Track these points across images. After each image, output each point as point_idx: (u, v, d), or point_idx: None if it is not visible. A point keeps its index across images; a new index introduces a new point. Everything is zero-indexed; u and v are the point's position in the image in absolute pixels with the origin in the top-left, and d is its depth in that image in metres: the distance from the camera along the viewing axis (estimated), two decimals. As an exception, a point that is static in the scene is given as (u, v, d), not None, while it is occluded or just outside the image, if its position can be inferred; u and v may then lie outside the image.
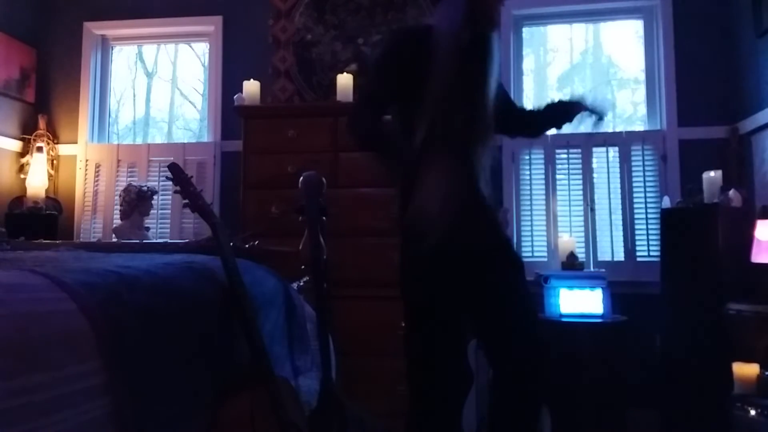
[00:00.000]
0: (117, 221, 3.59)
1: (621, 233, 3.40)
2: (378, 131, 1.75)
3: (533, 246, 3.47)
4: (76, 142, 3.89)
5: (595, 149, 3.48)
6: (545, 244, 3.45)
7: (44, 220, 3.57)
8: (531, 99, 3.83)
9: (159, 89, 5.04)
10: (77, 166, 3.87)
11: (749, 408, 2.27)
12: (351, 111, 1.81)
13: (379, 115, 1.76)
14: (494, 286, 1.70)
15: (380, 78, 1.79)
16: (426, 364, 1.74)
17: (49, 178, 3.78)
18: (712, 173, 2.95)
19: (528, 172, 3.53)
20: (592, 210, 3.42)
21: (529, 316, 1.72)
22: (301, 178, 2.09)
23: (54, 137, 3.88)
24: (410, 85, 1.68)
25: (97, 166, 3.86)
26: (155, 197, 3.47)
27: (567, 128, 2.09)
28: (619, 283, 3.16)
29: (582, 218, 3.44)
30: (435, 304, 1.71)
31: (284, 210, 2.94)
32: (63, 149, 3.89)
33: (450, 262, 1.66)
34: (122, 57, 4.31)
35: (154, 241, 3.35)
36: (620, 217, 3.42)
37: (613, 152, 3.46)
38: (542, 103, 2.00)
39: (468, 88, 1.69)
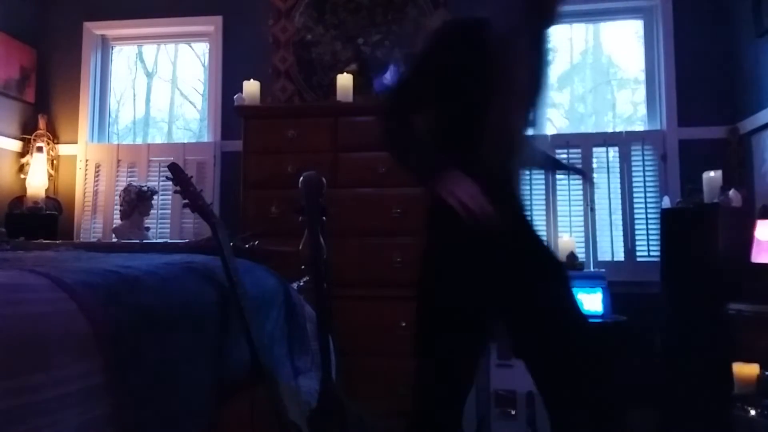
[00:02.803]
0: (117, 221, 3.59)
1: (621, 233, 3.40)
2: (410, 131, 1.56)
3: (533, 246, 3.47)
4: (76, 142, 3.89)
5: (595, 149, 3.48)
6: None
7: (44, 220, 3.56)
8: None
9: (159, 89, 5.04)
10: (77, 166, 3.87)
11: (749, 408, 2.27)
12: (385, 103, 1.65)
13: (413, 112, 1.58)
14: (527, 291, 1.56)
15: (422, 74, 1.59)
16: (445, 366, 1.65)
17: (49, 178, 3.78)
18: (712, 173, 2.95)
19: (528, 172, 3.52)
20: (592, 210, 3.42)
21: (568, 322, 1.55)
22: (301, 178, 2.09)
23: (54, 137, 3.88)
24: (456, 86, 1.53)
25: (97, 166, 3.86)
26: (155, 197, 3.47)
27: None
28: (619, 283, 3.16)
29: (582, 218, 3.44)
30: (466, 308, 1.59)
31: (284, 210, 2.94)
32: (63, 149, 3.89)
33: (487, 267, 1.54)
34: (122, 57, 4.31)
35: (154, 241, 3.35)
36: (620, 217, 3.42)
37: (613, 152, 3.46)
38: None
39: (526, 96, 1.56)
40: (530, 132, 1.66)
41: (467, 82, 1.53)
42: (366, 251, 2.94)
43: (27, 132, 3.81)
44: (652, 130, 3.46)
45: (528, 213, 1.70)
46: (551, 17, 1.58)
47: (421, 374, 1.69)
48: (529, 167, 2.02)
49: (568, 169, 2.08)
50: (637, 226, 3.39)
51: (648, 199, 3.39)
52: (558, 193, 3.47)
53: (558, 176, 3.47)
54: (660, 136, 3.41)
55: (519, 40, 1.51)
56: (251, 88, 3.34)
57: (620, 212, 3.43)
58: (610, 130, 3.62)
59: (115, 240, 3.36)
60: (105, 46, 4.06)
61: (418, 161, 1.55)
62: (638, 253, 3.37)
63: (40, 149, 3.75)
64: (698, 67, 3.38)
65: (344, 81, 3.28)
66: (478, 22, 1.57)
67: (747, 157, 3.13)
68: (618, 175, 3.45)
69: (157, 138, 4.53)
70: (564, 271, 1.64)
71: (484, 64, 1.49)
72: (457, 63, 1.53)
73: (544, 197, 3.48)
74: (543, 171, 2.06)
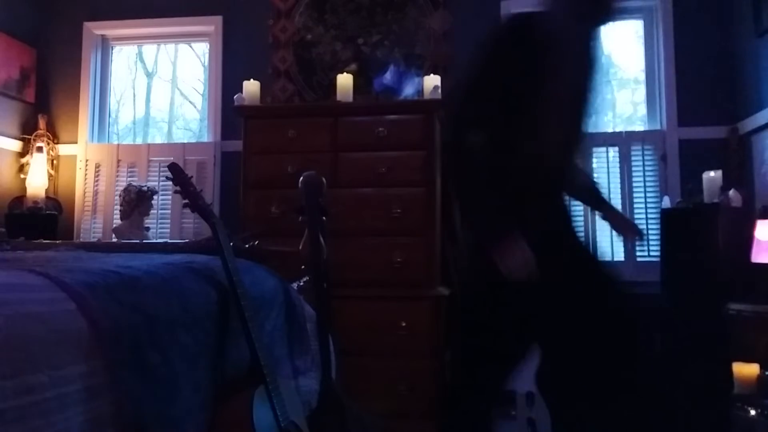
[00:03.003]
0: (117, 221, 3.59)
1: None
2: (476, 170, 1.45)
3: (533, 246, 3.46)
4: (76, 142, 3.89)
5: (595, 149, 3.48)
6: (545, 244, 3.44)
7: (44, 220, 3.57)
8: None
9: (159, 89, 5.05)
10: (77, 166, 3.87)
11: (749, 408, 2.27)
12: (449, 133, 1.52)
13: (478, 133, 1.45)
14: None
15: (486, 95, 1.47)
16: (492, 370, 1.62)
17: (49, 178, 3.78)
18: (712, 173, 2.95)
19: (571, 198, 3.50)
20: (593, 210, 3.41)
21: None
22: (301, 178, 2.09)
23: (54, 137, 3.88)
24: (516, 94, 1.44)
25: (97, 166, 3.86)
26: (155, 197, 3.47)
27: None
28: (619, 283, 3.15)
29: (582, 218, 3.44)
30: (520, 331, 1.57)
31: (284, 210, 2.94)
32: (63, 149, 3.89)
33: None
34: (122, 57, 4.31)
35: (154, 241, 3.35)
36: (620, 217, 3.42)
37: (613, 152, 3.46)
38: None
39: (579, 98, 1.49)
40: (582, 137, 1.59)
41: (522, 86, 1.44)
42: (366, 251, 2.93)
43: (27, 132, 3.81)
44: (652, 130, 3.46)
45: (577, 232, 1.64)
46: (608, 14, 1.51)
47: (466, 376, 1.66)
48: (575, 193, 1.88)
49: (614, 222, 1.85)
50: (637, 226, 3.39)
51: (648, 199, 3.39)
52: (558, 193, 3.47)
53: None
54: (660, 136, 3.41)
55: (572, 39, 1.44)
56: (251, 88, 3.34)
57: (620, 212, 3.42)
58: (610, 130, 3.62)
59: (115, 240, 3.36)
60: (105, 46, 4.06)
61: (483, 217, 1.50)
62: (638, 253, 3.37)
63: (40, 149, 3.75)
64: (698, 67, 3.38)
65: (344, 81, 3.28)
66: (531, 19, 1.49)
67: (747, 157, 3.13)
68: (618, 175, 3.44)
69: (157, 138, 4.53)
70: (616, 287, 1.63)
71: (536, 64, 1.42)
72: (513, 71, 1.44)
73: (544, 197, 3.48)
74: (584, 202, 1.94)
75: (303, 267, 2.22)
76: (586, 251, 1.69)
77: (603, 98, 1.45)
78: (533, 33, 1.45)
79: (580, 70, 1.50)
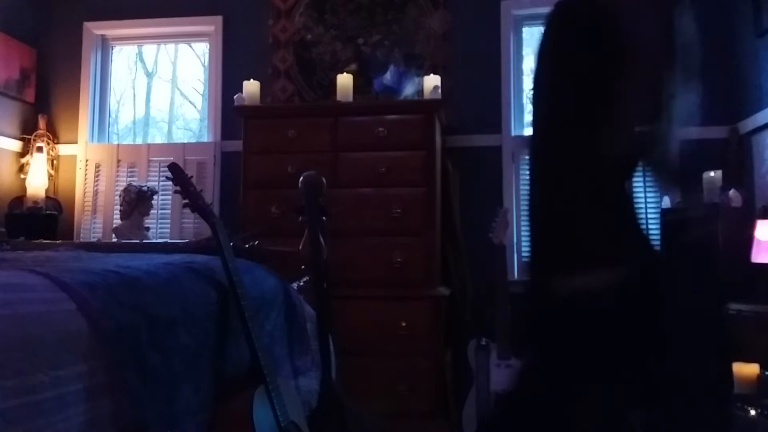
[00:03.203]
0: (117, 221, 3.59)
1: (621, 233, 3.39)
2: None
3: (533, 246, 3.46)
4: (76, 142, 3.89)
5: (595, 149, 3.47)
6: (545, 244, 3.44)
7: (44, 220, 3.56)
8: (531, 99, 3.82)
9: (159, 89, 5.05)
10: (77, 166, 3.86)
11: (749, 408, 2.27)
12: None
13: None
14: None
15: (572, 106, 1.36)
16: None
17: (49, 178, 3.78)
18: (712, 173, 2.95)
19: (528, 172, 3.51)
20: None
21: None
22: (301, 178, 2.09)
23: (54, 137, 3.88)
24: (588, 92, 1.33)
25: (97, 166, 3.86)
26: (155, 197, 3.47)
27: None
28: (619, 283, 3.14)
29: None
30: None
31: (284, 210, 2.94)
32: (63, 149, 3.89)
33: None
34: (122, 57, 4.31)
35: (154, 241, 3.35)
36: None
37: (613, 152, 3.45)
38: None
39: (658, 90, 1.39)
40: (667, 135, 1.49)
41: (592, 83, 1.33)
42: (366, 251, 2.93)
43: (27, 132, 3.81)
44: (652, 130, 3.45)
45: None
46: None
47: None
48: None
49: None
50: (637, 226, 3.38)
51: (648, 199, 3.38)
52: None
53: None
54: (660, 136, 3.40)
55: (645, 25, 1.31)
56: (251, 88, 3.34)
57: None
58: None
59: (115, 240, 3.36)
60: (105, 46, 4.06)
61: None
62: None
63: (40, 149, 3.75)
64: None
65: (344, 81, 3.28)
66: (592, 5, 1.36)
67: (747, 157, 3.13)
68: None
69: (157, 138, 4.54)
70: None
71: (604, 55, 1.30)
72: (581, 67, 1.33)
73: (544, 197, 3.48)
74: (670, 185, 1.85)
75: (303, 267, 2.22)
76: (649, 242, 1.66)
77: (698, 88, 1.30)
78: (598, 21, 1.33)
79: (659, 58, 1.38)
